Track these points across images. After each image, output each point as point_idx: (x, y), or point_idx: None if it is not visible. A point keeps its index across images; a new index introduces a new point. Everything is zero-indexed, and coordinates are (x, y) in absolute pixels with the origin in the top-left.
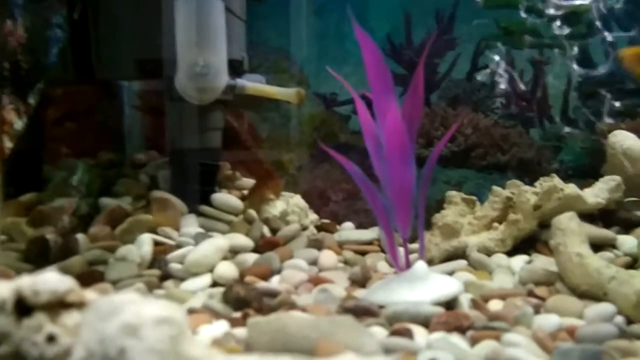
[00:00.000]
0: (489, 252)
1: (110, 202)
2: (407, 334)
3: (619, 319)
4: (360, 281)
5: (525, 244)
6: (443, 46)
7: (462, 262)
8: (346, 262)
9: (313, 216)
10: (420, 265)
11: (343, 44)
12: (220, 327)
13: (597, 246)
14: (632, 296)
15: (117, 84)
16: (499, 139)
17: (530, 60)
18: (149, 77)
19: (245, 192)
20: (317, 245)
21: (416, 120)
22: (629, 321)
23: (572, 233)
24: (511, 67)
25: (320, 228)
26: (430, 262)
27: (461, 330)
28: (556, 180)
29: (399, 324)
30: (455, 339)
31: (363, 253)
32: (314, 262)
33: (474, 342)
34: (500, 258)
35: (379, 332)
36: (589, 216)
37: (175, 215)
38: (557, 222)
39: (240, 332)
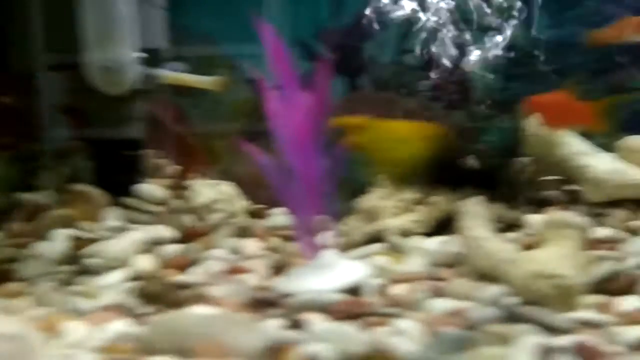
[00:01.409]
0: (410, 234)
1: (29, 196)
2: (300, 325)
3: (513, 300)
4: (282, 269)
5: (450, 225)
6: (371, 29)
7: (380, 245)
8: (272, 249)
9: (242, 203)
10: (327, 253)
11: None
12: (125, 325)
13: (509, 226)
14: (523, 277)
15: (36, 76)
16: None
17: (456, 42)
18: (63, 69)
19: (174, 180)
20: (245, 233)
21: (323, 110)
22: (525, 302)
23: (475, 216)
24: (437, 48)
25: (252, 214)
26: (352, 246)
27: (357, 317)
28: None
29: (300, 313)
30: (349, 327)
31: (292, 239)
32: (237, 251)
33: (367, 329)
34: (417, 240)
35: (277, 324)
36: (510, 196)
37: (95, 208)
38: (463, 205)
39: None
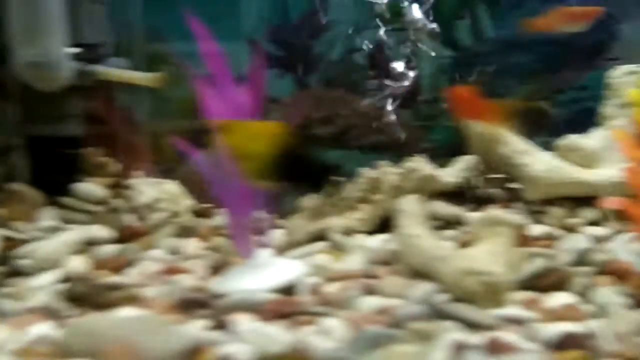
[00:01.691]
0: (354, 232)
1: None
2: (225, 326)
3: (443, 298)
4: (221, 269)
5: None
6: (319, 28)
7: (323, 244)
8: (213, 249)
9: (188, 202)
10: (263, 252)
11: (226, 23)
12: (47, 328)
13: (449, 223)
14: (453, 274)
15: None
16: (375, 119)
17: (402, 42)
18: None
19: (115, 179)
20: (188, 232)
21: (256, 108)
22: (455, 299)
23: (410, 214)
24: (385, 48)
25: (197, 214)
26: (295, 245)
27: (287, 316)
28: (415, 161)
29: (229, 314)
30: (273, 327)
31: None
32: (177, 251)
33: (294, 328)
34: (360, 238)
35: (202, 325)
36: (452, 194)
37: (30, 208)
38: (399, 203)
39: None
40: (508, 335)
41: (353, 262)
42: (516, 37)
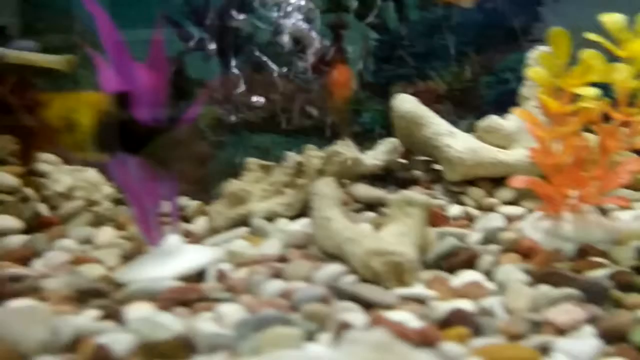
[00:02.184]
0: (277, 217)
1: None
2: (116, 315)
3: (350, 279)
4: (133, 257)
5: None
6: (241, 9)
7: (244, 230)
8: (128, 238)
9: (108, 190)
10: (170, 239)
11: (145, 6)
12: None
13: (371, 206)
14: (361, 256)
15: None
16: (304, 103)
17: (329, 23)
18: None
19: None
20: (104, 221)
21: (159, 88)
22: (363, 280)
23: (324, 197)
24: (312, 31)
25: (117, 202)
26: (216, 231)
27: (187, 304)
28: (340, 145)
29: (127, 303)
30: (164, 315)
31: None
32: (89, 241)
33: (192, 315)
34: (282, 223)
35: (92, 316)
36: (377, 177)
37: None
38: (313, 187)
39: None
40: (402, 314)
41: (270, 246)
42: (442, 18)
